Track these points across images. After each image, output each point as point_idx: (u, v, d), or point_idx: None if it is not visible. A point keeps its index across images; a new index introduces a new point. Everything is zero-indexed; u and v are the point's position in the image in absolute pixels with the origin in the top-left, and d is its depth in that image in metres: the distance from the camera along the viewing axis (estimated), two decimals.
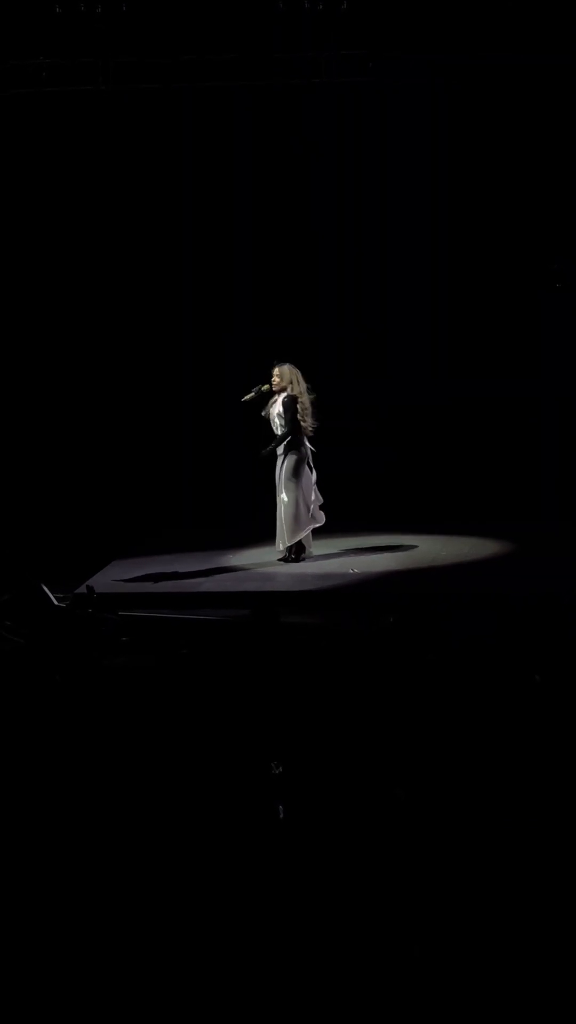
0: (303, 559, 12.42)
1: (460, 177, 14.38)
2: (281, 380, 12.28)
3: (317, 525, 12.40)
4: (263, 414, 12.37)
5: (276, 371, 12.33)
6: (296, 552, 12.38)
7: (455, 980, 4.68)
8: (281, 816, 5.75)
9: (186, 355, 14.89)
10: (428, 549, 12.76)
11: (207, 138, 14.50)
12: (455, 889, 5.15)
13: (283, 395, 12.29)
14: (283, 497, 12.27)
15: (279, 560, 12.41)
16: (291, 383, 12.29)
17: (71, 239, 14.73)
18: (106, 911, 5.18)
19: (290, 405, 12.24)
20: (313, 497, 12.33)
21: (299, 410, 12.23)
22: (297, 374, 12.34)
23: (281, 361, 12.37)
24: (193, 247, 14.77)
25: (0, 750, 6.65)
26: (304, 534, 12.36)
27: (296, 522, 12.27)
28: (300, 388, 12.30)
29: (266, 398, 12.37)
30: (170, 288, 14.82)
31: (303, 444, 12.33)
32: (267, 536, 12.63)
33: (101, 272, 14.78)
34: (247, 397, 12.39)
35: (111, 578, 12.19)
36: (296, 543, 12.34)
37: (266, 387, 12.33)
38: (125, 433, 14.85)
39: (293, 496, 12.24)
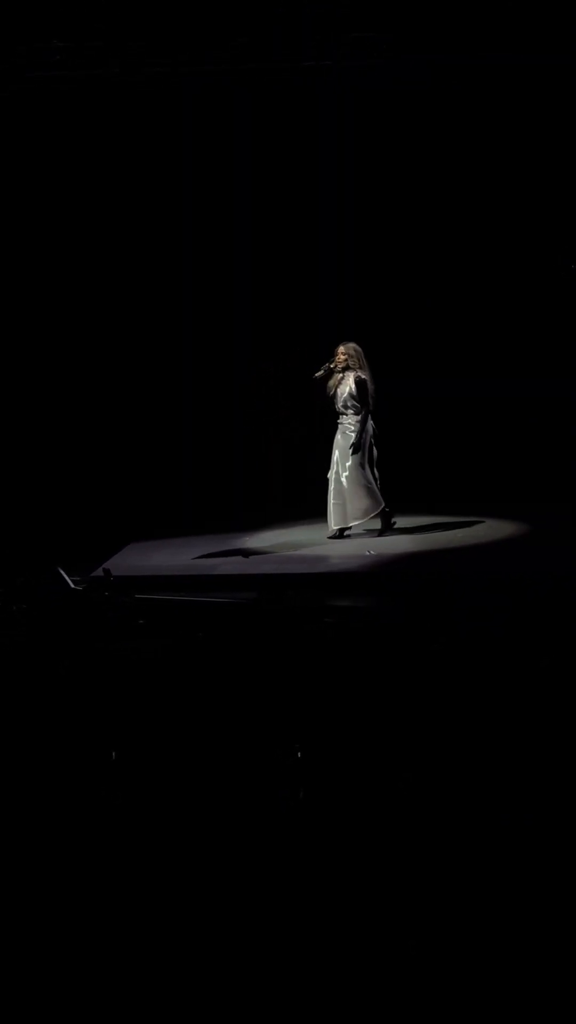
0: (347, 535, 12.55)
1: (462, 175, 14.43)
2: (347, 359, 12.45)
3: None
4: (328, 392, 12.56)
5: (341, 349, 12.55)
6: (342, 528, 12.53)
7: (456, 972, 4.73)
8: (296, 800, 5.78)
9: (187, 343, 14.94)
10: (446, 531, 12.82)
11: (214, 123, 14.50)
12: (460, 875, 5.18)
13: (352, 375, 12.46)
14: (347, 475, 12.42)
15: (330, 537, 12.52)
16: (356, 362, 12.47)
17: (76, 229, 14.77)
18: (111, 902, 5.18)
19: (362, 385, 12.43)
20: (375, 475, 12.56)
21: (369, 390, 12.43)
22: (361, 354, 12.53)
23: (346, 341, 12.60)
24: (196, 238, 14.81)
25: (6, 737, 6.72)
26: (373, 513, 12.50)
27: (370, 498, 12.43)
28: (366, 367, 12.50)
29: (329, 375, 12.54)
30: (173, 276, 14.87)
31: (368, 423, 12.52)
32: (280, 519, 12.71)
33: (109, 257, 14.81)
34: (318, 374, 12.55)
35: (128, 561, 12.25)
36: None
37: (333, 364, 12.49)
38: (135, 420, 14.90)
39: (360, 475, 12.42)
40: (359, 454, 12.42)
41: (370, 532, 12.69)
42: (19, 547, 12.29)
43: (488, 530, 12.81)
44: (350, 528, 12.58)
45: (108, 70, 13.75)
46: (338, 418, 12.63)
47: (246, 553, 12.21)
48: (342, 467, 12.49)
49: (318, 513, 12.80)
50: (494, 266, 14.50)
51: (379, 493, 12.51)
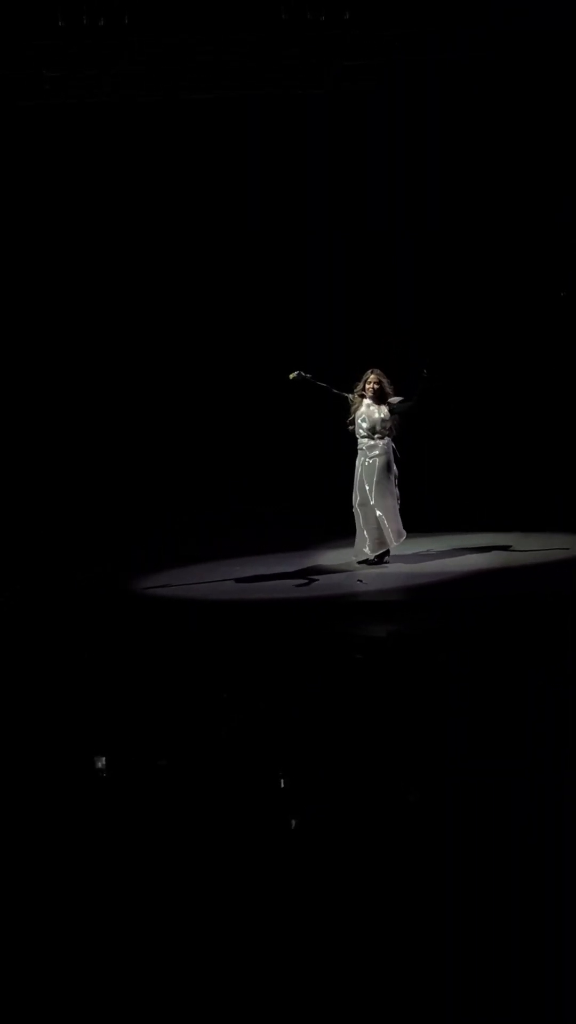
0: (386, 562, 12.47)
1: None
2: (380, 386, 12.27)
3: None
4: (348, 421, 12.35)
5: (373, 376, 12.30)
6: (381, 555, 12.43)
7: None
8: (293, 826, 5.74)
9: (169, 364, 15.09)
10: (439, 558, 12.74)
11: (212, 148, 14.58)
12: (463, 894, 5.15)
13: (388, 400, 12.29)
14: (379, 501, 12.26)
15: (361, 563, 12.37)
16: (390, 388, 12.32)
17: (76, 248, 14.86)
18: (113, 906, 5.15)
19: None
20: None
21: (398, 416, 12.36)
22: (387, 380, 12.38)
23: (373, 367, 12.34)
24: (198, 254, 14.91)
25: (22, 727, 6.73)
26: (404, 537, 12.41)
27: (398, 524, 12.31)
28: (392, 393, 12.39)
29: (349, 403, 12.35)
30: (178, 293, 15.01)
31: (394, 449, 12.40)
32: (265, 548, 12.93)
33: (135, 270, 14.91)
34: (292, 376, 12.27)
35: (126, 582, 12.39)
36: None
37: (362, 391, 12.29)
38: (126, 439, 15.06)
39: (392, 500, 12.29)
40: (391, 479, 12.31)
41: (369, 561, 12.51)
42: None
43: (484, 557, 12.74)
44: (388, 553, 12.47)
45: (100, 98, 13.76)
46: (358, 444, 12.39)
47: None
48: (376, 493, 12.31)
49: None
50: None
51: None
